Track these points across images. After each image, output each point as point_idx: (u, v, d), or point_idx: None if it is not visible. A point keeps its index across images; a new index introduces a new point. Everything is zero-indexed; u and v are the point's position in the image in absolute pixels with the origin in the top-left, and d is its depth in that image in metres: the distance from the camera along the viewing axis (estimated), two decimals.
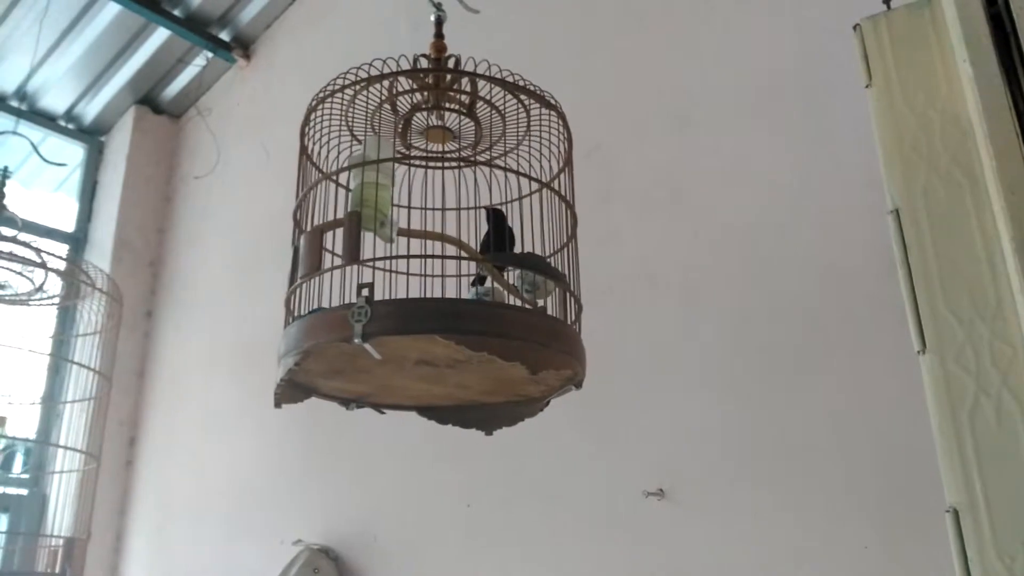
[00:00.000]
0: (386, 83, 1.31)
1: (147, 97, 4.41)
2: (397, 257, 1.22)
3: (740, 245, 2.36)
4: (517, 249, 1.40)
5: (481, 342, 1.09)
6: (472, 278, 1.41)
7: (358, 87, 1.28)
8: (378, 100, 1.36)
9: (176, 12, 3.93)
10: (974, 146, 1.19)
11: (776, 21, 2.46)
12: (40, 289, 3.10)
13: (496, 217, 1.39)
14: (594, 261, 2.55)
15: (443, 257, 1.24)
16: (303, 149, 1.36)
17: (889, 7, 1.37)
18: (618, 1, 2.89)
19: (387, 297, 1.21)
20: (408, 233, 1.31)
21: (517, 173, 1.30)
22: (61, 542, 3.21)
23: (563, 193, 1.35)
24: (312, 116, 1.34)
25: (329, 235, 1.26)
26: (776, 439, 2.15)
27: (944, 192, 1.22)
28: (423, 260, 1.26)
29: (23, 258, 2.95)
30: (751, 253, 2.33)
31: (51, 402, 3.88)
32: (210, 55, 4.15)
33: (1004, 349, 1.14)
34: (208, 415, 3.76)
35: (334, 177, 1.33)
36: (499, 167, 1.27)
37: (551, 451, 2.53)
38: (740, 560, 2.12)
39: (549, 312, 1.30)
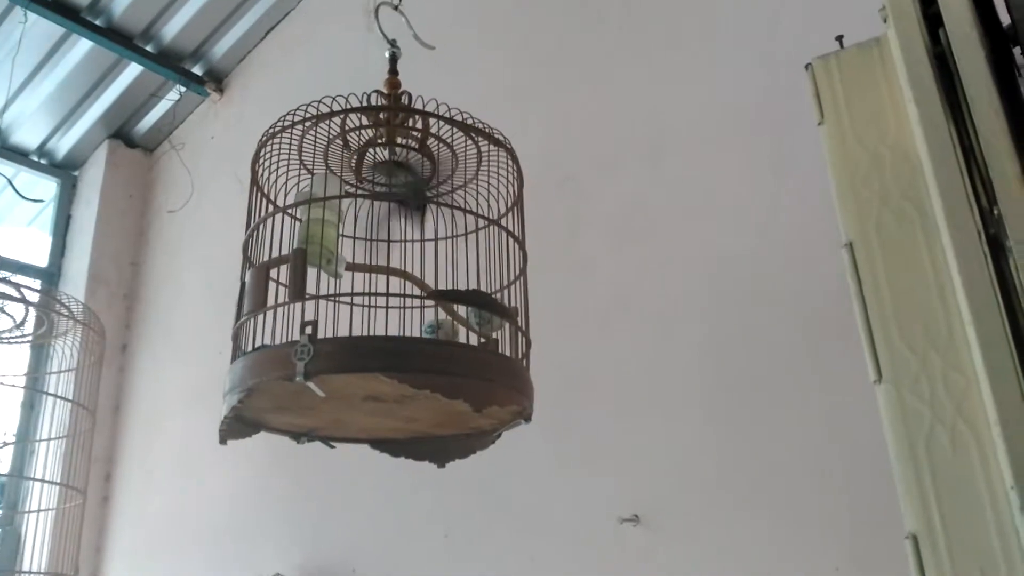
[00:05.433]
0: (338, 119, 1.31)
1: (120, 131, 4.39)
2: (342, 295, 1.21)
3: (711, 275, 2.37)
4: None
5: (423, 380, 1.08)
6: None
7: (308, 124, 1.27)
8: (331, 135, 1.35)
9: (149, 47, 3.93)
10: (923, 181, 1.20)
11: (741, 55, 2.49)
12: (20, 325, 3.08)
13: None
14: (568, 289, 2.57)
15: (388, 295, 1.22)
16: (254, 181, 1.35)
17: (842, 46, 1.38)
18: (591, 34, 2.91)
19: (334, 329, 1.20)
20: (355, 267, 1.30)
21: (454, 208, 1.30)
22: None
23: (512, 230, 1.35)
24: (263, 151, 1.34)
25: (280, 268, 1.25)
26: (749, 465, 2.16)
27: (896, 226, 1.23)
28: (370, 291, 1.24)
29: (4, 295, 2.93)
30: (722, 283, 2.34)
31: (28, 439, 3.82)
32: (183, 89, 4.14)
33: (957, 379, 1.14)
34: (185, 449, 3.71)
35: (291, 211, 1.32)
36: (444, 204, 1.27)
37: (527, 479, 2.53)
38: None
39: (500, 346, 1.29)
